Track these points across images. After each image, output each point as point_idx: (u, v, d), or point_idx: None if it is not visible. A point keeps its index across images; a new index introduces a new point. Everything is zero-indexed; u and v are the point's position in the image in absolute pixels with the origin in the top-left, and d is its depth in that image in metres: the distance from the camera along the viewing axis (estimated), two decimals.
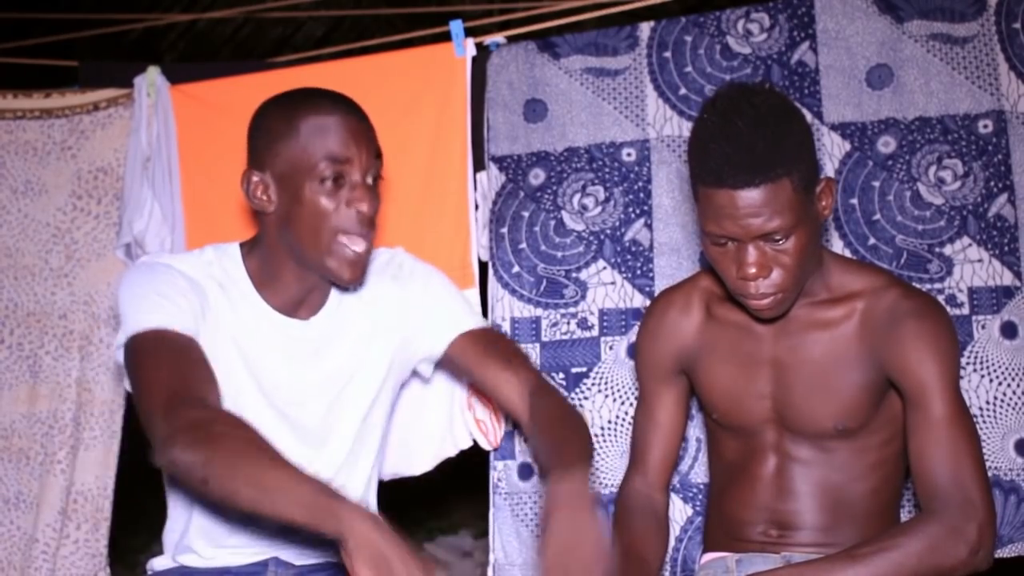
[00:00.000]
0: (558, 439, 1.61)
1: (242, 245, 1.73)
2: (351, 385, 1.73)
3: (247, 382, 1.66)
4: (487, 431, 2.16)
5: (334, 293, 1.74)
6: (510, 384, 1.76)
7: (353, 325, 1.74)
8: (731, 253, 1.58)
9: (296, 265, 1.67)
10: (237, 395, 1.64)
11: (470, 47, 2.32)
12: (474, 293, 2.25)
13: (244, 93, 2.43)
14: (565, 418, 1.68)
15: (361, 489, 1.75)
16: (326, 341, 1.71)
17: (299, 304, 1.70)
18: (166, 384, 1.49)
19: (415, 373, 1.89)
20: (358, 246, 1.62)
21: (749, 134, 1.50)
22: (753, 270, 1.56)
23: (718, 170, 1.51)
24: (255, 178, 1.65)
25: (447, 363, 1.85)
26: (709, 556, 1.81)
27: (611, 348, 2.17)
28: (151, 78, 2.45)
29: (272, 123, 1.65)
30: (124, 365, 1.58)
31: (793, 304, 1.66)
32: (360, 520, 1.39)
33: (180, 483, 1.52)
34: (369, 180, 1.65)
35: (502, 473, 2.18)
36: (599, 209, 2.21)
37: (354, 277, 1.65)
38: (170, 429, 1.43)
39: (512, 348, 1.84)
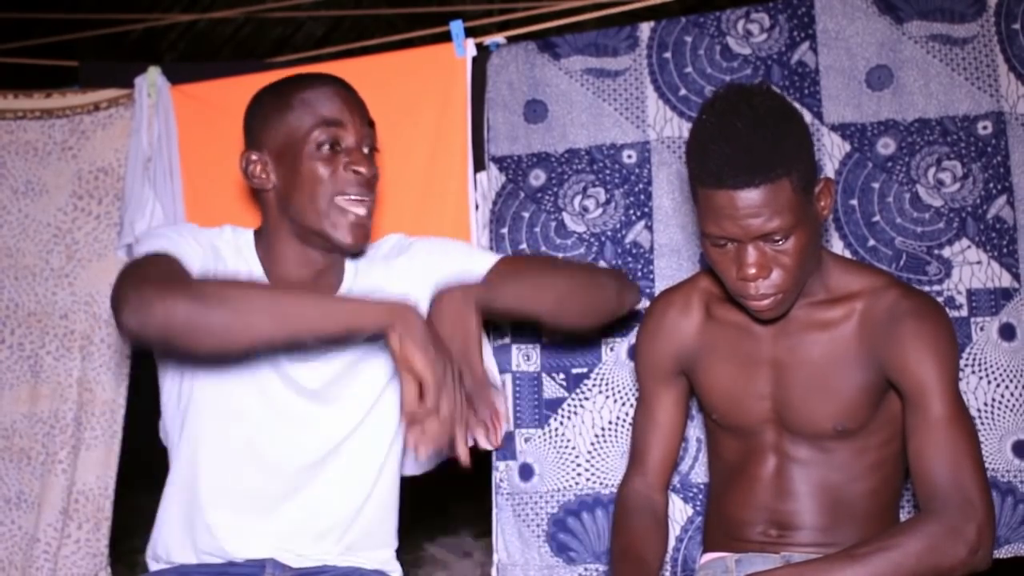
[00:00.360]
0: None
1: (255, 233, 1.75)
2: (371, 355, 1.72)
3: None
4: (488, 430, 2.16)
5: (346, 280, 1.75)
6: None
7: None
8: (731, 254, 1.58)
9: (299, 245, 1.69)
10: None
11: (470, 47, 2.31)
12: None
13: (245, 93, 2.42)
14: (534, 269, 1.72)
15: (382, 455, 1.76)
16: None
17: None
18: (151, 273, 1.47)
19: None
20: (358, 208, 1.65)
21: (748, 135, 1.51)
22: (753, 271, 1.56)
23: (717, 171, 1.51)
24: (253, 157, 1.69)
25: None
26: (709, 556, 1.82)
27: (612, 349, 2.17)
28: (152, 78, 2.45)
29: (265, 104, 1.70)
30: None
31: (792, 305, 1.66)
32: (401, 306, 1.45)
33: (171, 341, 1.45)
34: (365, 149, 1.68)
35: (504, 474, 2.19)
36: (600, 211, 2.22)
37: (356, 241, 1.67)
38: (156, 288, 1.41)
39: (534, 266, 1.82)
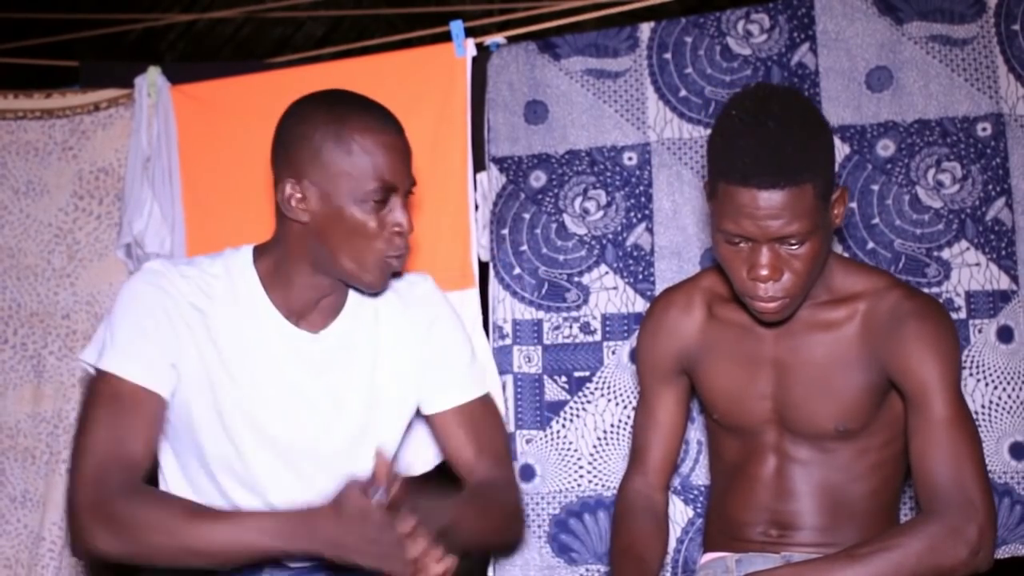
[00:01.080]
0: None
1: (256, 248, 1.70)
2: (374, 412, 1.71)
3: (232, 397, 1.63)
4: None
5: (347, 310, 1.72)
6: (472, 471, 1.75)
7: (362, 350, 1.71)
8: (743, 253, 1.57)
9: (312, 271, 1.64)
10: (220, 415, 1.63)
11: (470, 47, 2.31)
12: (474, 294, 2.26)
13: (244, 93, 2.44)
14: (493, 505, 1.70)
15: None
16: (331, 359, 1.69)
17: (308, 311, 1.68)
18: (97, 451, 1.51)
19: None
20: (396, 262, 1.63)
21: (779, 136, 1.49)
22: (765, 272, 1.55)
23: (744, 168, 1.50)
24: (291, 188, 1.60)
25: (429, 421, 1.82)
26: (709, 556, 1.82)
27: (613, 353, 2.17)
28: (152, 78, 2.45)
29: (316, 136, 1.59)
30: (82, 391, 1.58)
31: (796, 311, 1.66)
32: (322, 528, 1.42)
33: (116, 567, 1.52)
34: (407, 207, 1.64)
35: None
36: (601, 214, 2.22)
37: (383, 286, 1.66)
38: (91, 521, 1.46)
39: (496, 436, 1.80)
